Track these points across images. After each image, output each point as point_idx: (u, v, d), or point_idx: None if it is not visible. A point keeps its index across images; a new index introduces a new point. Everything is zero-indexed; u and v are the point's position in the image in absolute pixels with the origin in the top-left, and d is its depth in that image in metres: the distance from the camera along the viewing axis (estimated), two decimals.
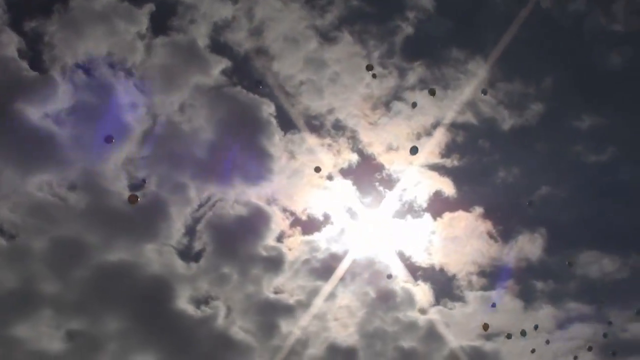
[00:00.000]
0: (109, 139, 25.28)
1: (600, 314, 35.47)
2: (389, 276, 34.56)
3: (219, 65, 35.29)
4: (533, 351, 29.92)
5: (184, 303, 32.99)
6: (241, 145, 35.26)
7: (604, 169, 39.61)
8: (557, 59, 39.99)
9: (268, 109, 35.46)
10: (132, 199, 25.03)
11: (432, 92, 29.89)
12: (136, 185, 33.16)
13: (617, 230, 38.50)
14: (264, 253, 34.79)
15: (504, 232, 37.59)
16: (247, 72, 36.43)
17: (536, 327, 31.01)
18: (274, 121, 35.61)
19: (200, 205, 34.77)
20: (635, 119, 39.76)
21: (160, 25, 34.78)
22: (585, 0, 39.03)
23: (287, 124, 36.21)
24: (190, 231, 34.39)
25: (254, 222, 35.16)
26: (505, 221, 37.57)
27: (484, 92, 30.99)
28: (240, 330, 33.39)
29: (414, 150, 29.51)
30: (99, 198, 32.24)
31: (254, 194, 35.55)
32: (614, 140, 39.33)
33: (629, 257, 37.71)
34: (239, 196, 35.32)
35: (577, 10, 39.33)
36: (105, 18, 33.00)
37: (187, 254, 34.17)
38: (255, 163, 35.31)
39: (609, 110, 39.58)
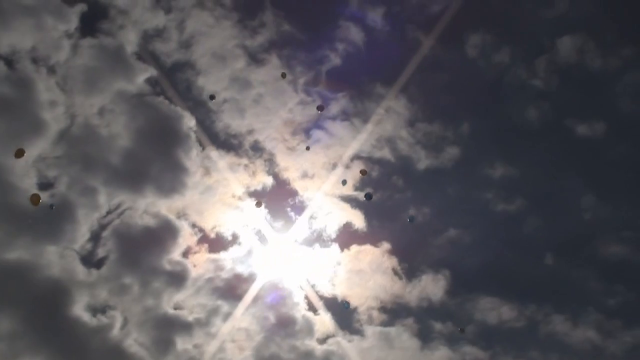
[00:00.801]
0: None
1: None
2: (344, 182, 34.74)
3: (144, 74, 35.92)
4: None
5: (80, 310, 32.85)
6: (157, 155, 35.69)
7: (511, 219, 40.33)
8: (478, 106, 41.13)
9: (189, 122, 36.12)
10: (34, 200, 25.13)
11: None
12: (45, 185, 33.38)
13: (517, 280, 39.24)
14: (168, 267, 34.96)
15: (409, 270, 38.19)
16: (172, 84, 36.99)
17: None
18: (193, 135, 36.19)
19: (109, 212, 34.85)
20: (546, 174, 41.07)
21: (89, 26, 35.37)
22: (509, 53, 40.43)
23: (206, 140, 36.75)
24: (96, 237, 34.43)
25: (161, 234, 35.34)
26: (411, 259, 38.25)
27: None
28: (134, 343, 33.28)
29: (344, 183, 31.14)
30: (5, 193, 32.11)
31: (165, 206, 35.82)
32: (523, 192, 40.27)
33: (527, 308, 38.34)
34: (149, 207, 35.51)
35: (501, 62, 40.69)
36: (35, 12, 33.31)
37: (90, 260, 34.14)
38: (169, 175, 35.72)
39: (521, 163, 40.76)
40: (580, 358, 37.11)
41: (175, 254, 35.40)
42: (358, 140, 38.32)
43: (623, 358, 36.67)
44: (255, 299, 35.56)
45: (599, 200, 40.01)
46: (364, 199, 33.00)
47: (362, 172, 33.46)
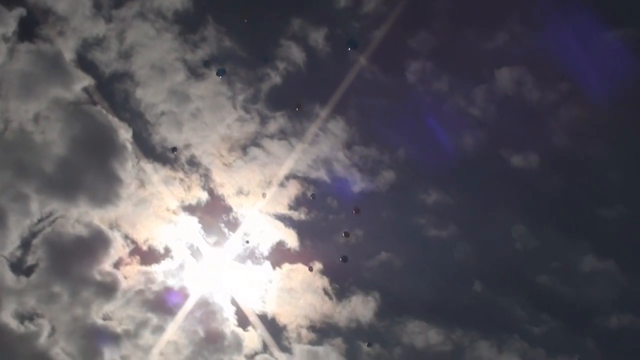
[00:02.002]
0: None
1: None
2: None
3: (82, 82, 36.94)
4: None
5: (7, 316, 33.76)
6: (92, 165, 36.58)
7: (442, 245, 41.99)
8: (414, 132, 42.48)
9: (125, 134, 37.27)
10: None
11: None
12: None
13: (445, 305, 40.95)
14: (98, 277, 35.89)
15: (340, 290, 39.71)
16: (110, 94, 38.12)
17: None
18: (129, 147, 37.28)
19: (40, 220, 35.71)
20: (478, 202, 42.86)
21: (28, 31, 36.26)
22: (448, 81, 42.43)
23: (141, 152, 37.87)
24: (26, 244, 35.33)
25: (93, 244, 36.27)
26: (341, 280, 39.68)
27: None
28: (61, 352, 34.25)
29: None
30: None
31: (98, 217, 36.77)
32: (455, 219, 42.04)
33: (454, 332, 39.97)
34: (81, 216, 36.45)
35: (439, 89, 42.61)
36: None
37: (19, 267, 35.09)
38: (103, 186, 36.61)
39: (455, 190, 42.57)
40: None
41: (106, 265, 36.44)
42: (295, 160, 39.70)
43: None
44: (185, 313, 36.72)
45: (529, 230, 41.93)
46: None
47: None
